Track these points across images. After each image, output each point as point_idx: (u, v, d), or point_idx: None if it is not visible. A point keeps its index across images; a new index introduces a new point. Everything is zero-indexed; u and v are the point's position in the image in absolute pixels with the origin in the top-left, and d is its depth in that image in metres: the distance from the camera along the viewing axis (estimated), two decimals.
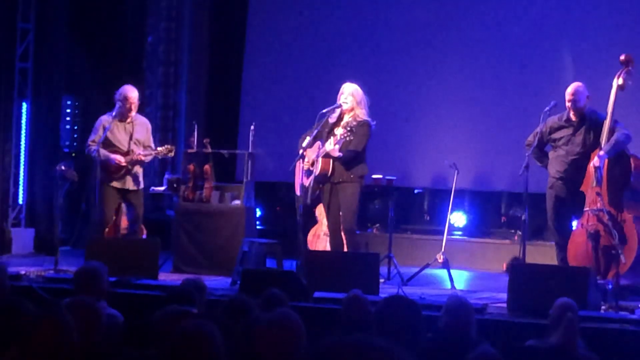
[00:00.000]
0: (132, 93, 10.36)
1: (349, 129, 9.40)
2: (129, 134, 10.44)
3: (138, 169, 10.50)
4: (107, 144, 10.35)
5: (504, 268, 11.30)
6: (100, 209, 10.44)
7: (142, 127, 10.56)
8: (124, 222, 10.90)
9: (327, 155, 9.55)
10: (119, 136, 10.42)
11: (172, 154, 10.62)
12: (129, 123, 10.45)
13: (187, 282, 6.90)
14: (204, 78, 14.40)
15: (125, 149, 10.40)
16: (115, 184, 10.39)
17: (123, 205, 10.74)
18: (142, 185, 10.58)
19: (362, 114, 9.63)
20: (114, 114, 10.37)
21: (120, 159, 10.32)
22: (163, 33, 14.13)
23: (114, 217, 11.02)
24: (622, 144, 9.17)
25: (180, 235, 10.82)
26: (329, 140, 9.42)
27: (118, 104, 10.37)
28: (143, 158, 10.41)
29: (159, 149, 10.56)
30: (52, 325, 4.51)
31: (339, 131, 9.43)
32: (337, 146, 9.37)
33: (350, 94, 9.65)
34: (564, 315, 6.12)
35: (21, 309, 4.96)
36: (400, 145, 12.95)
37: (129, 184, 10.44)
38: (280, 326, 4.44)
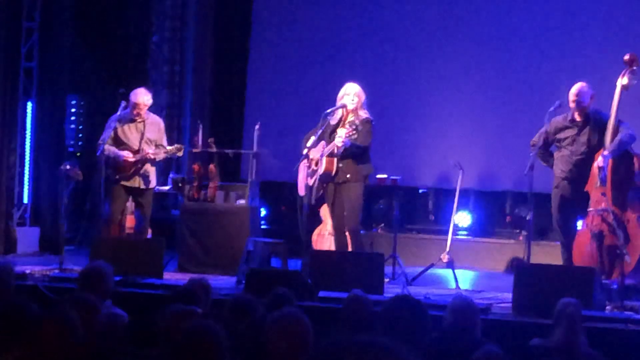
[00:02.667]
0: (140, 98, 10.35)
1: (353, 127, 9.41)
2: (140, 132, 10.44)
3: (149, 168, 10.49)
4: (118, 142, 10.36)
5: (503, 268, 11.35)
6: (107, 208, 10.46)
7: (153, 126, 10.55)
8: (129, 221, 10.92)
9: (331, 155, 9.56)
10: (130, 135, 10.42)
11: (181, 153, 10.62)
12: (140, 122, 10.45)
13: (193, 282, 6.90)
14: (209, 77, 14.41)
15: (135, 147, 10.40)
16: (125, 182, 10.39)
17: (128, 204, 10.76)
18: (152, 185, 10.58)
19: (364, 113, 9.66)
20: (119, 113, 10.37)
21: (128, 154, 10.33)
22: (168, 32, 14.14)
23: (119, 217, 11.04)
24: (626, 144, 9.16)
25: (185, 234, 10.82)
26: (337, 138, 9.41)
27: (129, 107, 10.37)
28: (152, 156, 10.40)
29: (169, 147, 10.55)
30: (57, 325, 4.52)
31: (342, 131, 9.43)
32: (345, 139, 9.36)
33: (355, 95, 9.67)
34: (568, 315, 6.13)
35: (26, 309, 4.97)
36: (405, 145, 12.96)
37: (139, 183, 10.44)
38: (288, 325, 4.45)
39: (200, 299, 6.21)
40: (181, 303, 5.58)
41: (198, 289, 6.51)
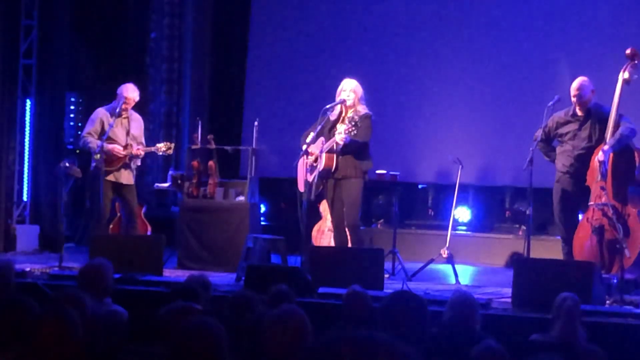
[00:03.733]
0: (131, 94, 10.39)
1: (353, 123, 9.39)
2: (126, 129, 10.49)
3: (132, 165, 10.54)
4: (106, 138, 10.37)
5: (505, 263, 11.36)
6: (99, 202, 10.45)
7: (136, 122, 10.62)
8: None
9: (330, 151, 9.55)
10: (117, 131, 10.45)
11: (171, 151, 10.65)
12: (124, 118, 10.51)
13: (192, 279, 6.90)
14: (208, 74, 14.40)
15: (123, 143, 10.44)
16: (110, 177, 10.39)
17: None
18: (133, 181, 10.62)
19: (362, 108, 9.64)
20: (117, 110, 10.37)
21: (119, 148, 10.34)
22: (166, 29, 14.13)
23: (118, 214, 11.05)
24: (627, 138, 9.15)
25: (185, 231, 10.82)
26: (337, 134, 9.41)
27: (117, 101, 10.40)
28: (141, 153, 10.47)
29: (159, 145, 10.59)
30: (57, 323, 4.51)
31: (342, 127, 9.43)
32: (345, 136, 9.35)
33: (352, 91, 9.65)
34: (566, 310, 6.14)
35: (26, 307, 4.97)
36: (405, 141, 12.96)
37: (124, 178, 10.45)
38: (286, 322, 4.44)
39: (200, 296, 6.21)
40: (181, 300, 5.58)
41: (198, 286, 6.51)
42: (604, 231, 8.98)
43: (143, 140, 10.68)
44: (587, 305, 7.36)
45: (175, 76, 14.22)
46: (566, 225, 9.48)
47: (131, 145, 10.44)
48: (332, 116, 9.75)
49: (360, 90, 9.70)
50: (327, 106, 9.70)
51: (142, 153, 10.52)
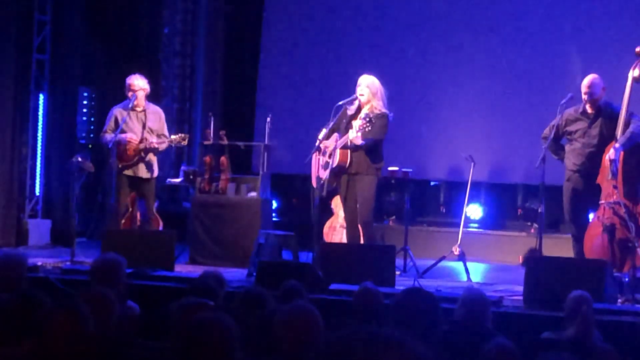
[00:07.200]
0: (134, 80, 10.38)
1: (367, 120, 9.37)
2: (142, 122, 10.47)
3: (151, 157, 10.51)
4: (121, 132, 10.37)
5: (520, 260, 11.28)
6: (115, 198, 10.47)
7: (155, 115, 10.58)
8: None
9: (345, 147, 9.53)
10: (132, 125, 10.44)
11: (186, 142, 10.61)
12: (141, 112, 10.49)
13: (207, 275, 6.88)
14: (220, 69, 14.41)
15: (139, 137, 10.43)
16: (128, 172, 10.40)
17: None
18: (155, 174, 10.59)
19: (379, 105, 9.59)
20: (130, 105, 10.40)
21: (132, 136, 10.33)
22: (179, 24, 14.13)
23: (130, 209, 11.06)
24: (638, 136, 9.13)
25: (196, 226, 10.84)
26: (351, 131, 9.39)
27: (130, 96, 10.43)
28: (156, 146, 10.43)
29: (173, 137, 10.58)
30: (68, 317, 4.53)
31: (357, 123, 9.40)
32: (359, 134, 9.34)
33: (366, 86, 9.61)
34: (579, 308, 6.12)
35: (39, 301, 4.98)
36: (417, 138, 12.95)
37: (142, 172, 10.45)
38: (298, 318, 4.45)
39: (214, 292, 6.20)
40: (195, 296, 5.59)
41: (212, 282, 6.51)
42: (615, 230, 8.96)
43: (165, 132, 10.60)
44: (599, 304, 7.34)
45: (187, 72, 14.23)
46: (577, 224, 9.47)
47: (146, 138, 10.43)
48: (350, 111, 9.70)
49: (376, 86, 9.64)
50: (340, 103, 9.68)
51: (157, 146, 10.47)
